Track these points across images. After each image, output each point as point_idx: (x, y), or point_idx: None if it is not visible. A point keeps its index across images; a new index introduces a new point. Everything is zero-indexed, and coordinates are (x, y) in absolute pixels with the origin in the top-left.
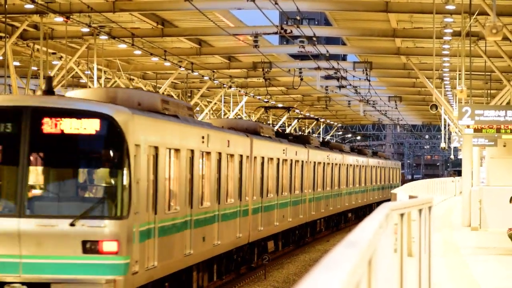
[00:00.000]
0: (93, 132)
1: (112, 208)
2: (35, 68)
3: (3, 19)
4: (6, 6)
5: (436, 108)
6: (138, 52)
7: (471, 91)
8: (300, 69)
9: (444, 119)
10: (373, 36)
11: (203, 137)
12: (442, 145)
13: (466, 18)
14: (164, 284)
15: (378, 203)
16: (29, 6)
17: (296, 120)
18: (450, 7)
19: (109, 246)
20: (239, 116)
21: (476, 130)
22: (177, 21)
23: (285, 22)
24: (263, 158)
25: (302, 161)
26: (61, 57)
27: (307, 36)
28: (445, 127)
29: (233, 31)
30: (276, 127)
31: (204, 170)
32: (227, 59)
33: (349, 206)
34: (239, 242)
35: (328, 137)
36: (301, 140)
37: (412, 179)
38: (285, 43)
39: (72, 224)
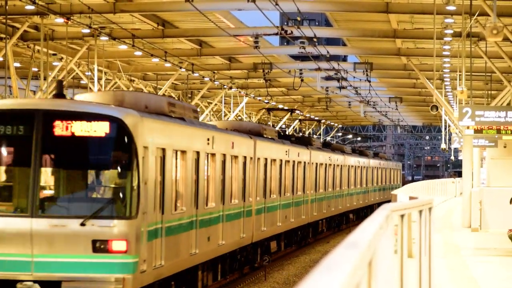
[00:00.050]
0: (103, 135)
1: (121, 209)
2: (36, 69)
3: (4, 20)
4: (7, 7)
5: (437, 109)
6: (138, 53)
7: (471, 92)
8: (301, 70)
9: (445, 120)
10: (374, 37)
11: (208, 139)
12: (443, 146)
13: (466, 19)
14: (170, 283)
15: (379, 204)
16: (30, 7)
17: (296, 121)
18: (451, 7)
19: (118, 245)
20: (239, 117)
21: (476, 131)
22: (177, 22)
23: (285, 23)
24: (266, 159)
25: (304, 162)
26: (61, 58)
27: (307, 37)
28: (445, 128)
29: (233, 32)
30: (277, 128)
31: (209, 171)
32: (227, 60)
33: (351, 207)
34: (242, 242)
35: (328, 138)
36: (303, 141)
37: (413, 180)
38: (285, 44)
39: (82, 224)
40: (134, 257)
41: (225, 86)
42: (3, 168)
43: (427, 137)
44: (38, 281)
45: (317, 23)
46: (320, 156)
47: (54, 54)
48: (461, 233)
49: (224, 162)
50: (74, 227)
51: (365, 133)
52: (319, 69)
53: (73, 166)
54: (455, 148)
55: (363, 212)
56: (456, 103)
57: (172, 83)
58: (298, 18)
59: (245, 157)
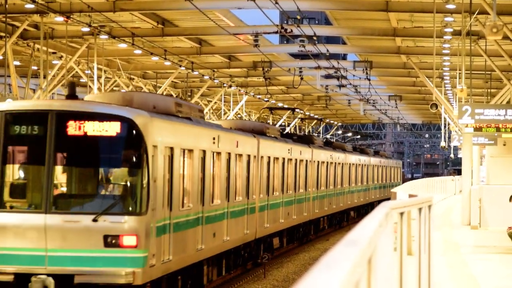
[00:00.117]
0: (114, 134)
1: (131, 205)
2: (35, 68)
3: (4, 19)
4: (7, 5)
5: (436, 107)
6: (138, 51)
7: (471, 90)
8: (300, 68)
9: (444, 118)
10: (373, 35)
11: (214, 138)
12: (442, 144)
13: (466, 17)
14: (177, 277)
15: (380, 202)
16: (30, 6)
17: (296, 120)
18: (451, 6)
19: (128, 240)
20: (239, 116)
21: (476, 129)
22: (177, 21)
23: (285, 22)
24: (269, 157)
25: (306, 161)
26: (61, 57)
27: (307, 35)
28: (445, 126)
29: (233, 31)
30: (277, 126)
31: (214, 170)
32: (227, 59)
33: (352, 204)
34: (246, 238)
35: (328, 136)
36: (305, 140)
37: (412, 178)
38: (285, 42)
39: (94, 220)
40: (144, 252)
41: (224, 85)
42: (19, 166)
43: (427, 135)
44: (52, 274)
45: (316, 22)
46: (322, 155)
47: (53, 53)
48: (461, 231)
49: (229, 161)
50: (87, 222)
51: (364, 131)
52: (318, 67)
53: (85, 164)
54: (454, 146)
55: (364, 210)
56: (455, 101)
57: (172, 81)
58: (298, 17)
59: (249, 155)
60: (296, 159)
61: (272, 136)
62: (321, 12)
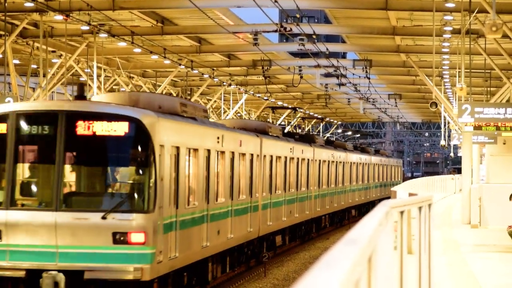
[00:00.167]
0: (122, 134)
1: (139, 203)
2: (35, 66)
3: (3, 17)
4: (6, 4)
5: (436, 106)
6: (137, 50)
7: (470, 88)
8: (300, 67)
9: (444, 116)
10: (373, 34)
11: (218, 138)
12: (442, 142)
13: (465, 16)
14: (183, 274)
15: (381, 200)
16: (29, 4)
17: (296, 118)
18: (450, 5)
19: (137, 237)
20: (239, 114)
21: (475, 128)
22: (176, 19)
23: (284, 20)
24: (271, 156)
25: (308, 159)
26: (60, 55)
27: (306, 34)
28: (445, 125)
29: (232, 29)
30: (276, 124)
31: (219, 168)
32: (226, 57)
33: (353, 202)
34: (249, 236)
35: (327, 135)
36: (307, 139)
37: (412, 177)
38: (284, 41)
39: (103, 217)
40: (152, 249)
41: (224, 83)
42: (29, 165)
43: (427, 134)
44: (62, 270)
45: (316, 20)
46: (323, 153)
47: (53, 51)
48: (461, 230)
49: (232, 160)
50: (96, 220)
51: (364, 130)
52: (318, 66)
53: (94, 163)
54: (454, 145)
55: (365, 208)
56: (455, 100)
57: (172, 80)
58: (297, 15)
59: (252, 154)
60: (298, 158)
61: (274, 135)
62: (321, 10)
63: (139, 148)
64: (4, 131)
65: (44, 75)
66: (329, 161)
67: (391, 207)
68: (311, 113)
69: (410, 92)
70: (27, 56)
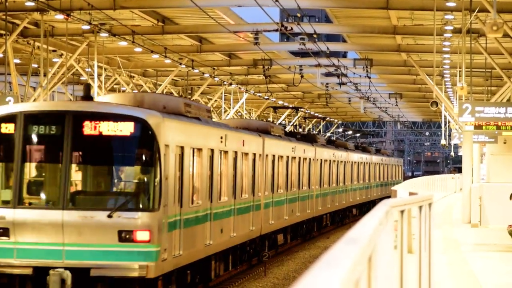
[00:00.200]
0: (128, 134)
1: (145, 202)
2: (36, 66)
3: (4, 17)
4: (7, 3)
5: (437, 105)
6: (138, 49)
7: (471, 88)
8: (301, 66)
9: (445, 116)
10: (374, 33)
11: (221, 138)
12: (443, 142)
13: (466, 15)
14: (187, 271)
15: (381, 199)
16: (30, 4)
17: (296, 118)
18: (451, 4)
19: (142, 235)
20: (239, 113)
21: (476, 127)
22: (177, 19)
23: (285, 19)
24: (274, 156)
25: (310, 159)
26: (61, 55)
27: (307, 33)
28: (445, 124)
29: (233, 28)
30: (277, 123)
31: (222, 168)
32: (227, 56)
33: (354, 202)
34: (252, 235)
35: (328, 134)
36: (309, 138)
37: (412, 176)
38: (285, 40)
39: (109, 216)
40: (157, 246)
41: (225, 82)
42: (37, 164)
43: (427, 133)
44: (69, 268)
45: (317, 20)
46: (325, 153)
47: (54, 51)
48: (461, 229)
49: (235, 159)
50: (102, 218)
51: (365, 129)
52: (319, 65)
53: (100, 162)
54: (455, 144)
55: (366, 207)
56: (456, 99)
57: (172, 79)
58: (298, 15)
59: (254, 154)
60: (299, 157)
61: (277, 135)
62: (321, 10)
63: (145, 148)
64: (12, 131)
65: (45, 75)
66: (330, 161)
67: (392, 206)
68: (311, 112)
69: (410, 92)
70: (28, 55)
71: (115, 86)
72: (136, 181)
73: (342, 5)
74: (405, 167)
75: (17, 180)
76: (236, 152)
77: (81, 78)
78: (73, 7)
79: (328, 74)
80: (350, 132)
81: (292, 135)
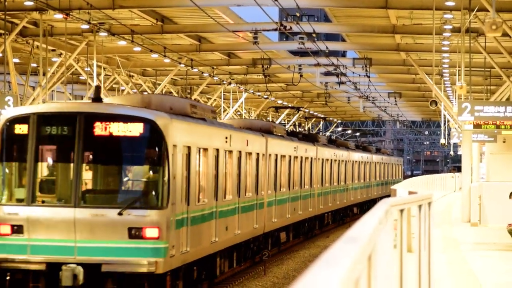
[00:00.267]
0: (138, 134)
1: (153, 200)
2: (35, 65)
3: (3, 16)
4: (6, 3)
5: (436, 104)
6: (137, 49)
7: (470, 87)
8: (300, 65)
9: (444, 115)
10: (373, 33)
11: (226, 138)
12: (442, 141)
13: (465, 14)
14: (193, 268)
15: (382, 198)
16: (29, 3)
17: (296, 117)
18: (450, 3)
19: (151, 232)
20: (238, 113)
21: (475, 126)
22: (176, 18)
23: (284, 19)
24: (276, 155)
25: (311, 158)
26: (60, 54)
27: (306, 32)
28: (444, 123)
29: (232, 28)
30: (277, 123)
31: (227, 167)
32: (226, 56)
33: (355, 200)
34: (255, 232)
35: (327, 133)
36: (310, 138)
37: (412, 175)
38: (284, 39)
39: (120, 213)
40: (165, 243)
41: (224, 82)
42: (50, 164)
43: (426, 132)
44: (81, 263)
45: (316, 19)
46: (326, 152)
47: (53, 50)
48: (461, 228)
49: (239, 159)
50: (112, 216)
51: (364, 128)
52: (318, 64)
53: (111, 162)
54: (454, 143)
55: (367, 206)
56: (455, 98)
57: (171, 78)
58: (297, 14)
59: (258, 153)
60: (301, 157)
61: (279, 135)
62: (321, 9)
63: (154, 148)
64: (26, 132)
65: (44, 74)
66: (331, 160)
67: (391, 206)
68: (311, 112)
69: (410, 91)
70: (27, 55)
71: (114, 86)
72: (145, 180)
73: (341, 5)
74: (405, 166)
75: (30, 179)
76: (240, 152)
77: (80, 77)
78: (72, 7)
79: (327, 74)
80: (349, 132)
81: (294, 135)
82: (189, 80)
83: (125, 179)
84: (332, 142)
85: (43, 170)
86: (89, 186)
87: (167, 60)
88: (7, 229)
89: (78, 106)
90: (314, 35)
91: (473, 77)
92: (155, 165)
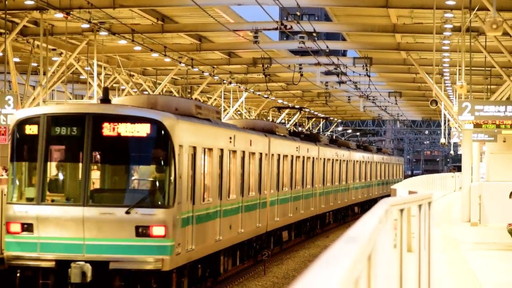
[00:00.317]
0: (145, 135)
1: (160, 199)
2: (35, 64)
3: (3, 16)
4: (6, 2)
5: (436, 104)
6: (138, 48)
7: (471, 86)
8: (300, 64)
9: (444, 114)
10: (373, 32)
11: (230, 138)
12: (442, 140)
13: (466, 14)
14: (198, 265)
15: (383, 197)
16: (29, 2)
17: (296, 117)
18: (450, 2)
19: (158, 230)
20: (239, 112)
21: (476, 126)
22: (177, 17)
23: (285, 18)
24: (279, 155)
25: (313, 158)
26: (61, 53)
27: (307, 31)
28: (445, 123)
29: (233, 27)
30: (277, 122)
31: (231, 167)
32: (227, 55)
33: (356, 200)
34: (258, 231)
35: (328, 133)
36: (312, 138)
37: (412, 175)
38: (285, 38)
39: (127, 212)
40: (171, 241)
41: (224, 81)
42: (59, 163)
43: (427, 132)
44: (89, 261)
45: (316, 18)
46: (328, 152)
47: (53, 49)
48: (461, 228)
49: (243, 158)
50: (120, 214)
51: (364, 127)
52: (318, 64)
53: (118, 162)
54: (454, 143)
55: (367, 205)
56: (455, 97)
57: (172, 78)
58: (298, 13)
59: (261, 153)
60: (303, 157)
61: (282, 135)
62: (321, 8)
63: (160, 148)
64: (36, 132)
65: (45, 73)
66: (333, 160)
67: (391, 205)
68: (311, 111)
69: (410, 90)
70: (28, 54)
71: (114, 85)
72: (152, 179)
73: (342, 4)
74: (405, 166)
75: (40, 178)
76: (244, 152)
77: (81, 77)
78: (73, 6)
79: (327, 73)
80: (349, 131)
81: (296, 135)
82: (189, 79)
83: (133, 178)
84: (333, 142)
85: (52, 169)
86: (97, 186)
87: (167, 60)
88: (17, 228)
89: (87, 107)
90: (314, 34)
91: (473, 76)
92: (162, 165)
